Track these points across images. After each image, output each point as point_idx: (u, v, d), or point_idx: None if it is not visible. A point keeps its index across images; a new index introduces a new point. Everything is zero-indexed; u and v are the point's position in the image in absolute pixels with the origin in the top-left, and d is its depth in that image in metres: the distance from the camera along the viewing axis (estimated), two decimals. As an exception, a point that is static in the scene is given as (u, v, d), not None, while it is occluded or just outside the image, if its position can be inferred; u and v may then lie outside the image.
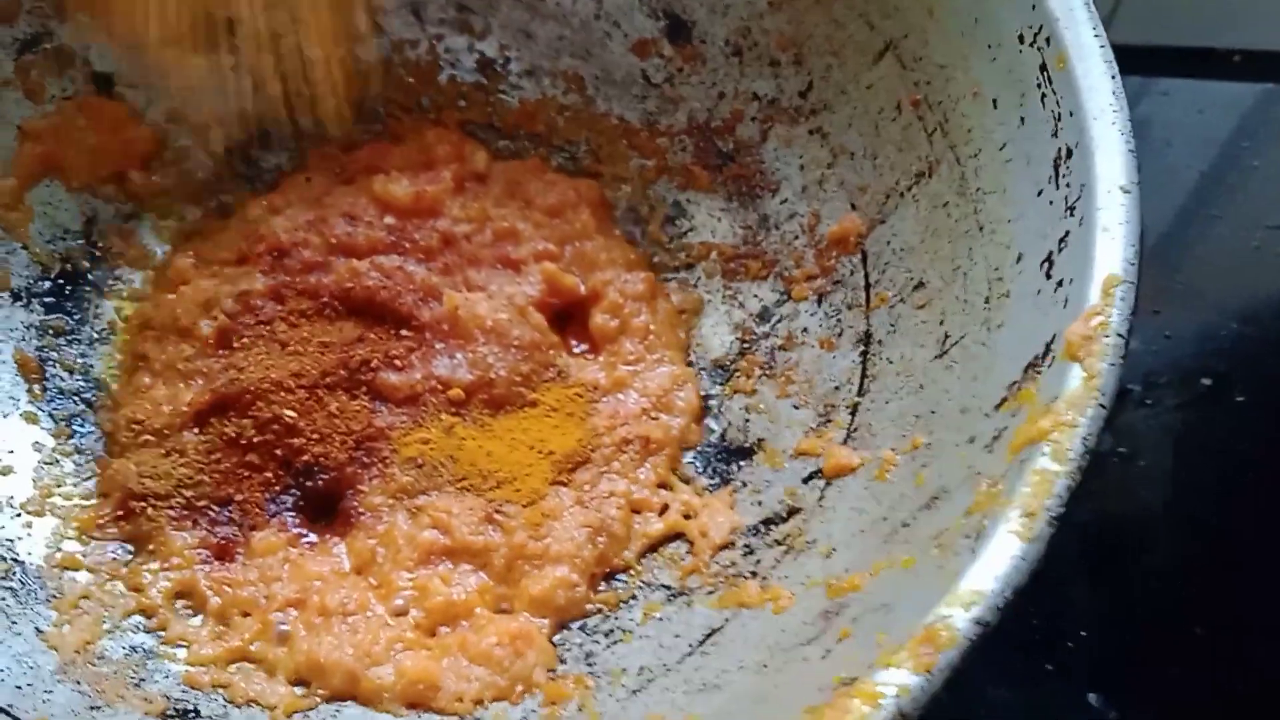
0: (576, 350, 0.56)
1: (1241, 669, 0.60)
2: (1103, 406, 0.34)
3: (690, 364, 0.55)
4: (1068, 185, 0.40)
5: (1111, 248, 0.37)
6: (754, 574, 0.45)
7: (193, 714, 0.43)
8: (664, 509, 0.50)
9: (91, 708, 0.42)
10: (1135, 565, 0.64)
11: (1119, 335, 0.35)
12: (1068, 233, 0.39)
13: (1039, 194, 0.41)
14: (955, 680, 0.31)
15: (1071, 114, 0.41)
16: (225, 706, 0.44)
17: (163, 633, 0.46)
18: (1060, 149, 0.41)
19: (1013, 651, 0.60)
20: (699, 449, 0.53)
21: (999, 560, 0.32)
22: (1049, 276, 0.40)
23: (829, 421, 0.49)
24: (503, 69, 0.62)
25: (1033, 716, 0.59)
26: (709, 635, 0.44)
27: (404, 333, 0.54)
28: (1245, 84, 0.85)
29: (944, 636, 0.31)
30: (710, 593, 0.46)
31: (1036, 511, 0.32)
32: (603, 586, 0.49)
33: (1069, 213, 0.39)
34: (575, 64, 0.61)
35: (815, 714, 0.30)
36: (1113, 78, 0.41)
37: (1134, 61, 0.83)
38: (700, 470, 0.52)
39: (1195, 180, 0.79)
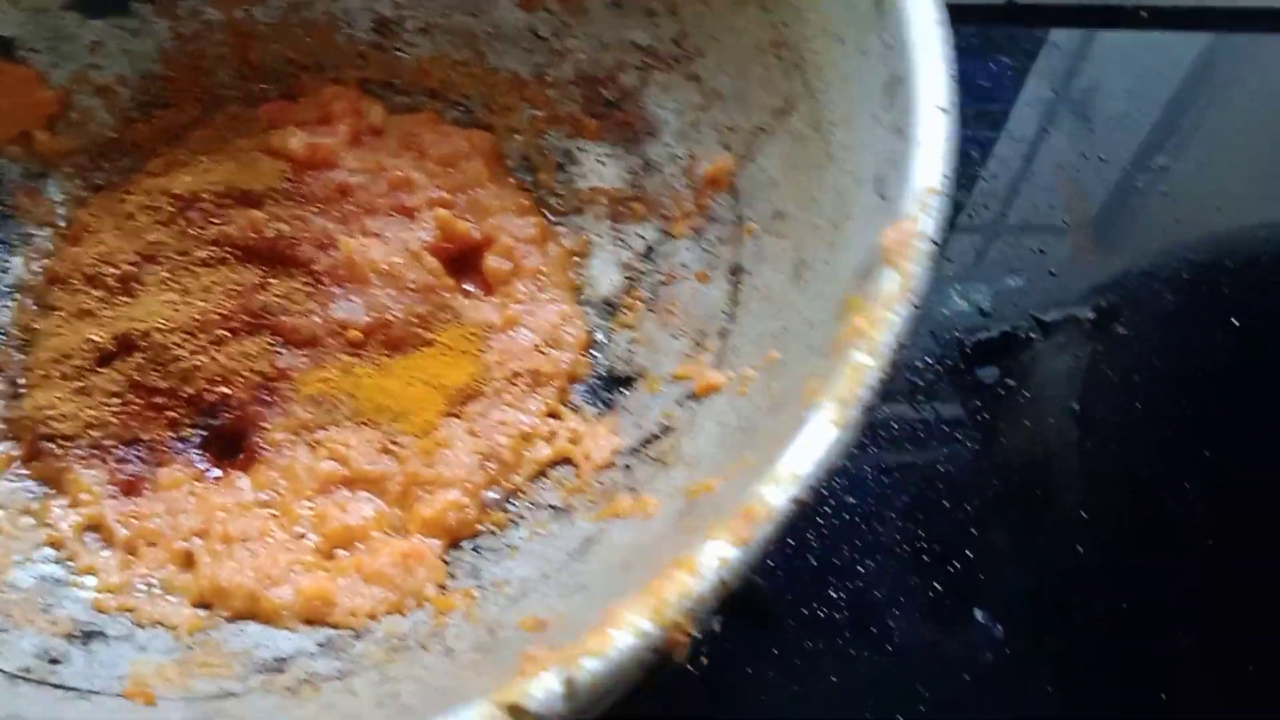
0: (471, 293, 0.58)
1: (1128, 588, 0.63)
2: (915, 306, 0.37)
3: (580, 302, 0.58)
4: (897, 109, 0.43)
5: (929, 162, 0.40)
6: (630, 488, 0.48)
7: (99, 635, 0.46)
8: (552, 436, 0.53)
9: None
10: (1025, 492, 0.67)
11: (931, 241, 0.38)
12: (895, 151, 0.42)
13: (874, 119, 0.44)
14: (771, 552, 0.34)
15: (900, 44, 0.43)
16: (131, 628, 0.46)
17: (72, 563, 0.49)
18: (891, 76, 0.44)
19: (909, 576, 0.63)
20: (587, 380, 0.56)
21: (814, 445, 0.35)
22: (881, 195, 0.42)
23: (702, 347, 0.52)
24: (398, 27, 0.64)
25: (928, 634, 0.62)
26: (586, 545, 0.46)
27: (304, 279, 0.56)
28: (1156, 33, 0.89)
29: (761, 512, 0.33)
30: (591, 508, 0.49)
31: (850, 400, 0.35)
32: (493, 509, 0.51)
33: (897, 134, 0.42)
34: (467, 21, 0.63)
35: (645, 589, 0.33)
36: (937, 8, 0.43)
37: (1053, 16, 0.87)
38: (588, 399, 0.55)
39: (1090, 128, 0.83)
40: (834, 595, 0.62)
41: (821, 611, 0.61)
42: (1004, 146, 0.81)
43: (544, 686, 0.30)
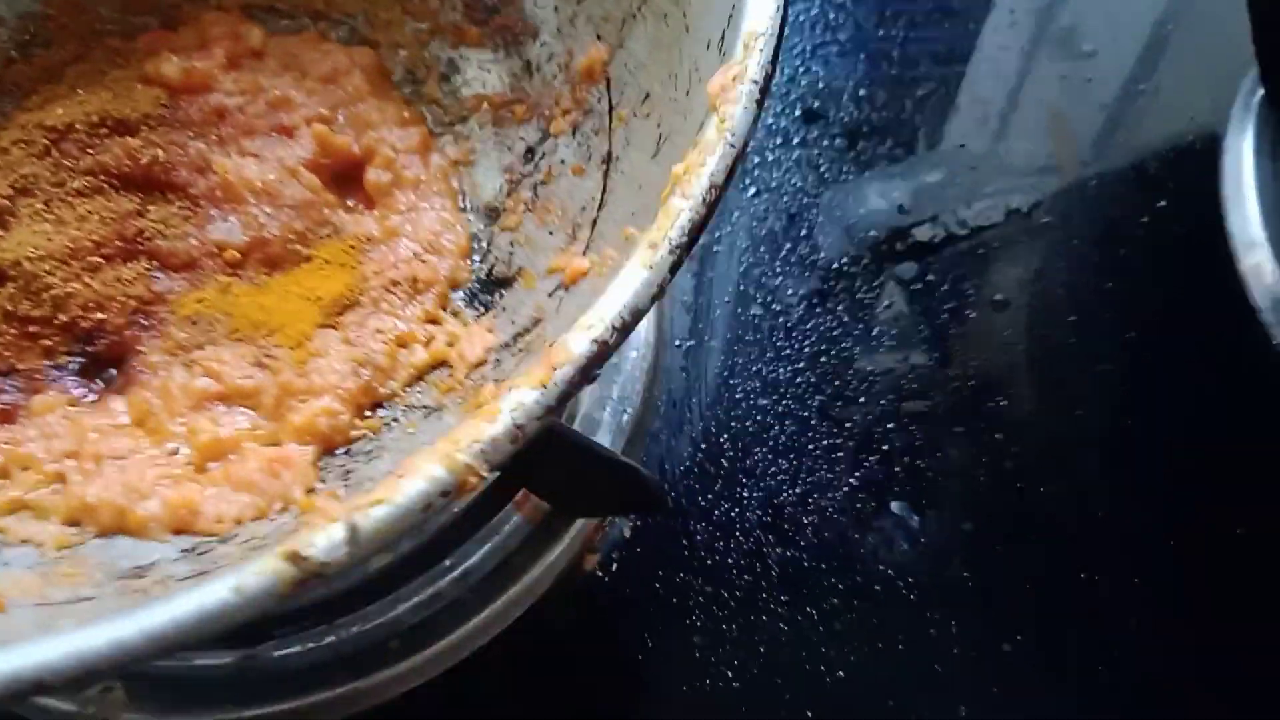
0: (352, 207, 0.57)
1: (1049, 484, 0.62)
2: (731, 146, 0.36)
3: (462, 210, 0.57)
4: (735, -33, 0.41)
5: (758, 9, 0.39)
6: (496, 380, 0.47)
7: (-38, 556, 0.45)
8: (430, 341, 0.52)
9: None
10: (941, 385, 0.66)
11: (754, 82, 0.37)
12: (733, 6, 0.41)
13: (720, -18, 0.43)
14: (571, 393, 0.33)
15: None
16: (-2, 549, 0.46)
17: (-59, 491, 0.48)
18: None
19: (823, 472, 0.62)
20: (467, 286, 0.55)
21: (623, 289, 0.34)
22: (720, 52, 0.41)
23: (574, 239, 0.51)
24: (279, -50, 0.63)
25: (845, 528, 0.60)
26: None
27: (180, 203, 0.55)
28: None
29: (560, 355, 0.32)
30: (460, 403, 0.48)
31: (659, 243, 0.34)
32: (370, 414, 0.50)
33: (735, -9, 0.41)
34: (347, -63, 0.62)
35: (444, 439, 0.32)
36: None
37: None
38: (468, 304, 0.54)
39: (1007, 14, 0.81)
40: (746, 495, 0.61)
41: (733, 512, 0.60)
42: (927, 48, 0.79)
43: (327, 535, 0.29)
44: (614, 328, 0.33)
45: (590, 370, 0.33)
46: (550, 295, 0.49)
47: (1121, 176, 0.72)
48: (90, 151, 0.56)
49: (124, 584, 0.43)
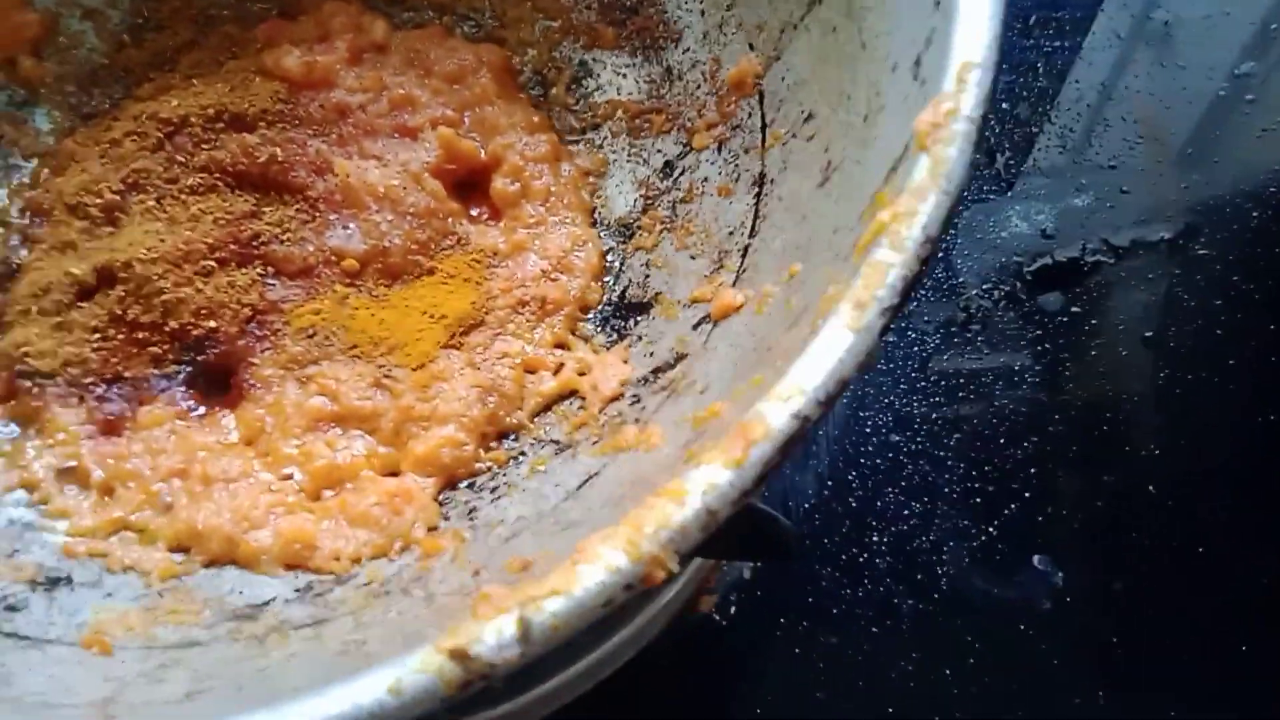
0: (477, 216, 0.54)
1: (1191, 530, 0.57)
2: (946, 194, 0.32)
3: (594, 225, 0.53)
4: (935, -19, 0.37)
5: (970, 36, 0.35)
6: (637, 420, 0.44)
7: (64, 581, 0.43)
8: (559, 368, 0.49)
9: (-42, 575, 0.41)
10: (1091, 428, 0.61)
11: (969, 120, 0.33)
12: (933, 29, 0.37)
13: (911, -3, 0.39)
14: (772, 476, 0.29)
15: (939, -92, 0.38)
16: (100, 573, 0.43)
17: (44, 506, 0.46)
18: (929, -54, 0.38)
19: (960, 519, 0.58)
20: (599, 308, 0.51)
21: (825, 354, 0.30)
22: (916, 78, 0.37)
23: (721, 267, 0.47)
24: (404, -64, 0.59)
25: (980, 581, 0.57)
26: (586, 481, 0.42)
27: (298, 205, 0.52)
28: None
29: (757, 431, 0.29)
30: (595, 442, 0.44)
31: (868, 302, 0.30)
32: (495, 445, 0.47)
33: (935, 7, 0.37)
34: (476, -75, 0.58)
35: (625, 521, 0.28)
36: None
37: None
38: (599, 328, 0.50)
39: (1159, 29, 0.76)
40: (876, 540, 0.57)
41: (862, 557, 0.56)
42: (1076, 56, 0.74)
43: (496, 629, 0.26)
44: (817, 401, 0.29)
45: (790, 449, 0.29)
46: (695, 328, 0.46)
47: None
48: (205, 147, 0.53)
49: (236, 626, 0.40)
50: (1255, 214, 0.66)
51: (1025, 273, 0.65)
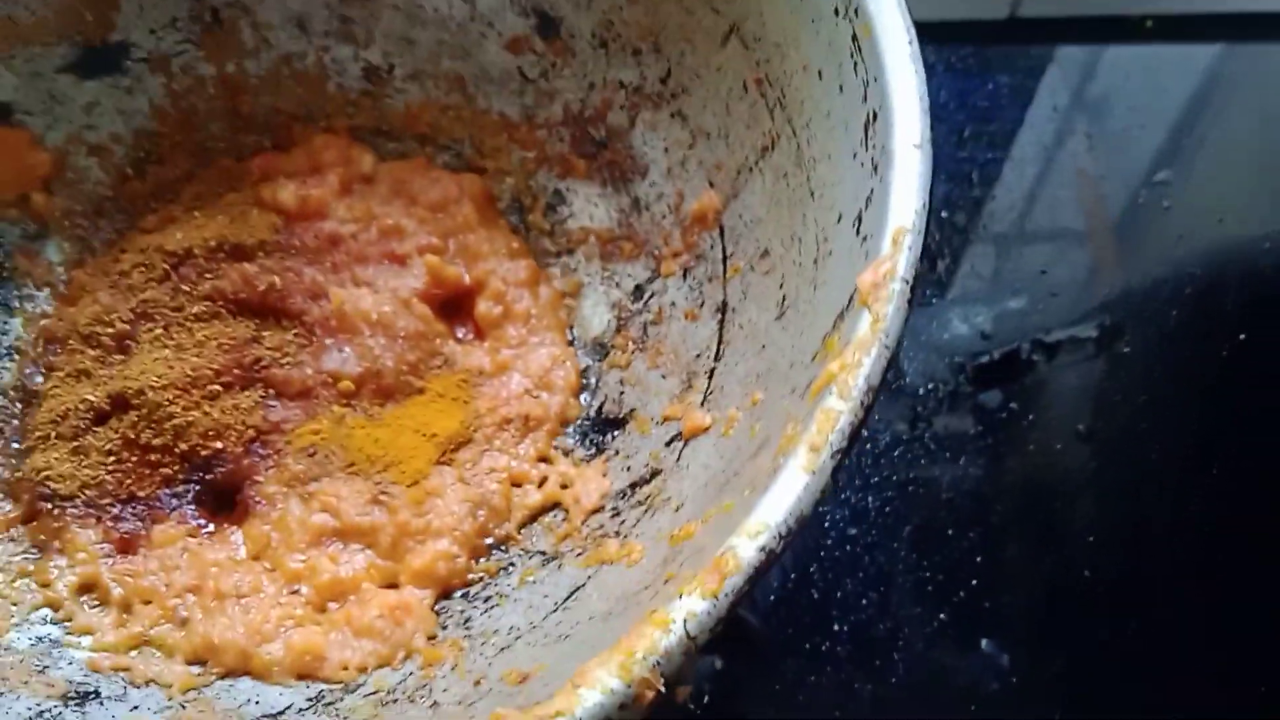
0: (463, 337, 0.58)
1: (1127, 612, 0.62)
2: (886, 347, 0.37)
3: (570, 343, 0.58)
4: (874, 146, 0.42)
5: (903, 201, 0.40)
6: (618, 533, 0.48)
7: (93, 695, 0.46)
8: (543, 481, 0.53)
9: (-7, 694, 0.44)
10: (1031, 518, 0.66)
11: (904, 280, 0.38)
12: (872, 190, 0.42)
13: (854, 156, 0.44)
14: (739, 604, 0.33)
15: (875, 79, 0.43)
16: (125, 687, 0.47)
17: (68, 623, 0.49)
18: (869, 113, 0.43)
19: (913, 606, 0.63)
20: (577, 422, 0.56)
21: (786, 493, 0.34)
22: (858, 233, 0.42)
23: (690, 387, 0.52)
24: (387, 75, 0.64)
25: (933, 665, 0.61)
26: (572, 593, 0.46)
27: (295, 330, 0.57)
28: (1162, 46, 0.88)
29: (730, 564, 0.33)
30: (579, 554, 0.49)
31: (820, 446, 0.35)
32: (485, 557, 0.51)
33: (874, 171, 0.42)
34: (455, 65, 0.63)
35: (617, 645, 0.33)
36: (910, 44, 0.43)
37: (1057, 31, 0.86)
38: (578, 442, 0.55)
39: (1087, 144, 0.82)
40: (836, 629, 0.61)
41: (824, 645, 0.61)
42: (1006, 166, 0.80)
43: (510, 750, 0.30)
44: (780, 535, 0.34)
45: (758, 578, 0.33)
46: (668, 445, 0.50)
47: (1199, 307, 0.72)
48: (208, 276, 0.57)
49: (256, 736, 0.44)
50: (1173, 314, 0.73)
51: (967, 370, 0.70)
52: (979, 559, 0.64)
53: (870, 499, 0.65)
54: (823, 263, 0.45)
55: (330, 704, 0.45)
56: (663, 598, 0.37)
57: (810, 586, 0.63)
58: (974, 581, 0.63)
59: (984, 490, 0.66)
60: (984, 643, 0.61)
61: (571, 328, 0.59)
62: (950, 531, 0.65)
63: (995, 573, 0.64)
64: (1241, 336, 0.71)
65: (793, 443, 0.36)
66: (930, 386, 0.70)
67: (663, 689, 0.32)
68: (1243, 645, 0.61)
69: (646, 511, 0.48)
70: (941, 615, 0.62)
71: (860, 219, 0.42)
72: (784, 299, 0.48)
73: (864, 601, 0.62)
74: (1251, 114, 0.85)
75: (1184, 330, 0.72)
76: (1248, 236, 0.76)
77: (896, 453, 0.67)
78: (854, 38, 0.45)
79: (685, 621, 0.32)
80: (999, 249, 0.76)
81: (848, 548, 0.64)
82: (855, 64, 0.45)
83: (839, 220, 0.45)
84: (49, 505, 0.52)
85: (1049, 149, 0.81)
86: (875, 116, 0.43)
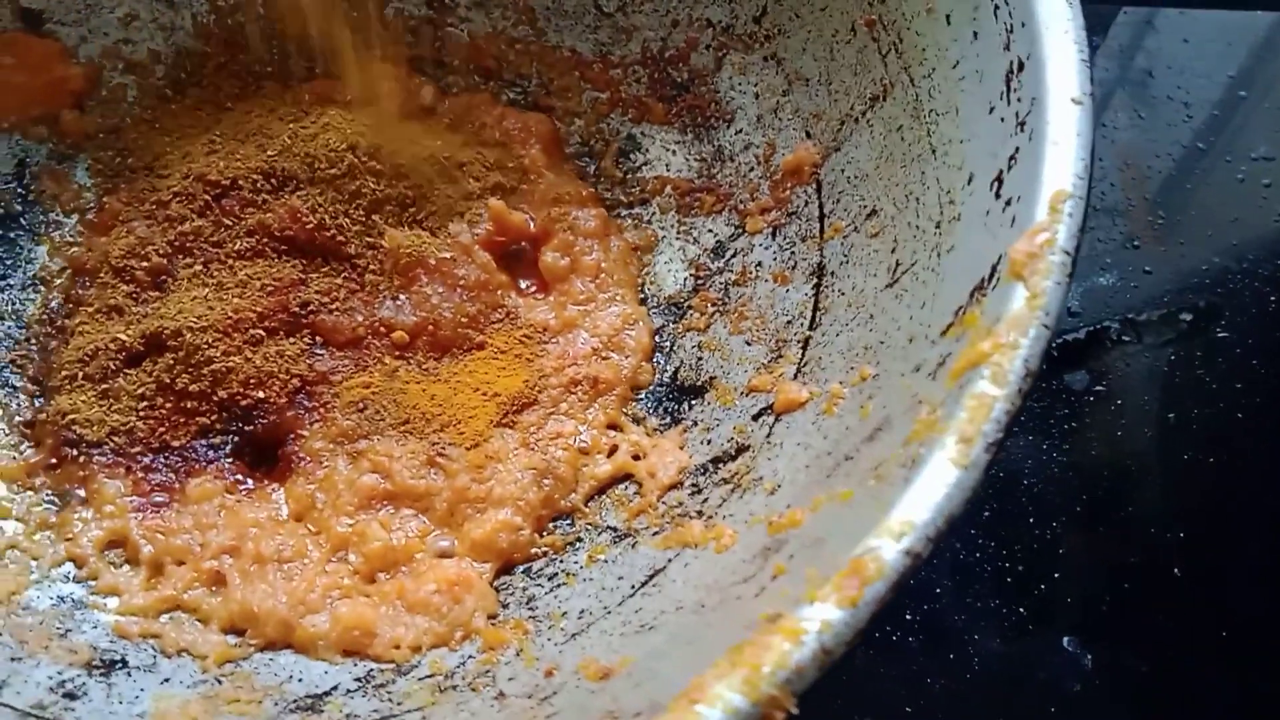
0: (526, 291, 0.54)
1: (1216, 612, 0.58)
2: (1046, 327, 0.32)
3: (643, 302, 0.54)
4: (1019, 100, 0.38)
5: (1061, 162, 0.35)
6: (700, 513, 0.44)
7: (120, 664, 0.42)
8: (613, 450, 0.49)
9: (12, 659, 0.40)
10: (1116, 508, 0.62)
11: (1065, 253, 0.33)
12: (1018, 149, 0.37)
13: (990, 111, 0.39)
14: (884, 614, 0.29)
15: (1024, 24, 0.38)
16: (155, 656, 0.43)
17: (93, 582, 0.45)
18: (1012, 62, 0.39)
19: (990, 597, 0.59)
20: (650, 388, 0.51)
21: (933, 489, 0.30)
22: (998, 196, 0.38)
23: (780, 357, 0.47)
24: (452, 2, 0.59)
25: (1010, 661, 0.57)
26: (651, 576, 0.42)
27: (346, 274, 0.52)
28: (1241, 12, 0.83)
29: (871, 569, 0.29)
30: (656, 533, 0.45)
31: (973, 437, 0.31)
32: (549, 529, 0.47)
33: (1019, 128, 0.37)
34: (525, -6, 0.58)
35: (736, 652, 0.28)
36: (1067, -18, 0.38)
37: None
38: (651, 410, 0.50)
39: (1180, 112, 0.77)
40: (908, 618, 0.57)
41: (894, 635, 0.57)
42: (1099, 133, 0.75)
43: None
44: (928, 537, 0.30)
45: (901, 586, 0.29)
46: (756, 419, 0.46)
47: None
48: (253, 210, 0.52)
49: (300, 719, 0.40)
50: (1273, 298, 0.68)
51: (1052, 349, 0.66)
52: (1061, 550, 0.60)
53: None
54: (948, 227, 0.41)
55: (381, 686, 0.41)
56: (776, 597, 0.33)
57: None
58: (1055, 574, 0.59)
59: (1067, 477, 0.62)
60: (1065, 640, 0.57)
61: (644, 285, 0.54)
62: (1031, 519, 0.61)
63: (1077, 565, 0.60)
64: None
65: (933, 430, 0.32)
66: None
67: (794, 711, 0.27)
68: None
69: (734, 491, 0.43)
70: (1021, 609, 0.58)
71: (1000, 180, 0.38)
72: (896, 265, 0.43)
73: (938, 590, 0.58)
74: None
75: (1284, 317, 0.67)
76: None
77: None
78: (996, -25, 0.40)
79: (820, 633, 0.28)
80: (1090, 221, 0.71)
81: (922, 533, 0.60)
82: (996, 7, 0.40)
83: (970, 181, 0.40)
84: (74, 451, 0.48)
85: (1143, 116, 0.76)
86: (1021, 66, 0.38)
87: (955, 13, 0.42)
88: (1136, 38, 0.82)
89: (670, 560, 0.42)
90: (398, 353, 0.51)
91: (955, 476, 0.30)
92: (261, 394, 0.49)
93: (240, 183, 0.53)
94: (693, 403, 0.50)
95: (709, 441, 0.47)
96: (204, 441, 0.49)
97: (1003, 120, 0.39)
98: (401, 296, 0.51)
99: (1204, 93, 0.78)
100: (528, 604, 0.44)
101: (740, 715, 0.27)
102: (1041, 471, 0.62)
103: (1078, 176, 0.35)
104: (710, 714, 0.27)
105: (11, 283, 0.53)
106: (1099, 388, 0.65)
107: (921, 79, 0.44)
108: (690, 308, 0.52)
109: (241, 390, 0.49)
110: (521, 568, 0.46)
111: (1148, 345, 0.67)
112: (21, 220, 0.54)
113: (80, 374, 0.49)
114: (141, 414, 0.48)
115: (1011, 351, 0.32)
